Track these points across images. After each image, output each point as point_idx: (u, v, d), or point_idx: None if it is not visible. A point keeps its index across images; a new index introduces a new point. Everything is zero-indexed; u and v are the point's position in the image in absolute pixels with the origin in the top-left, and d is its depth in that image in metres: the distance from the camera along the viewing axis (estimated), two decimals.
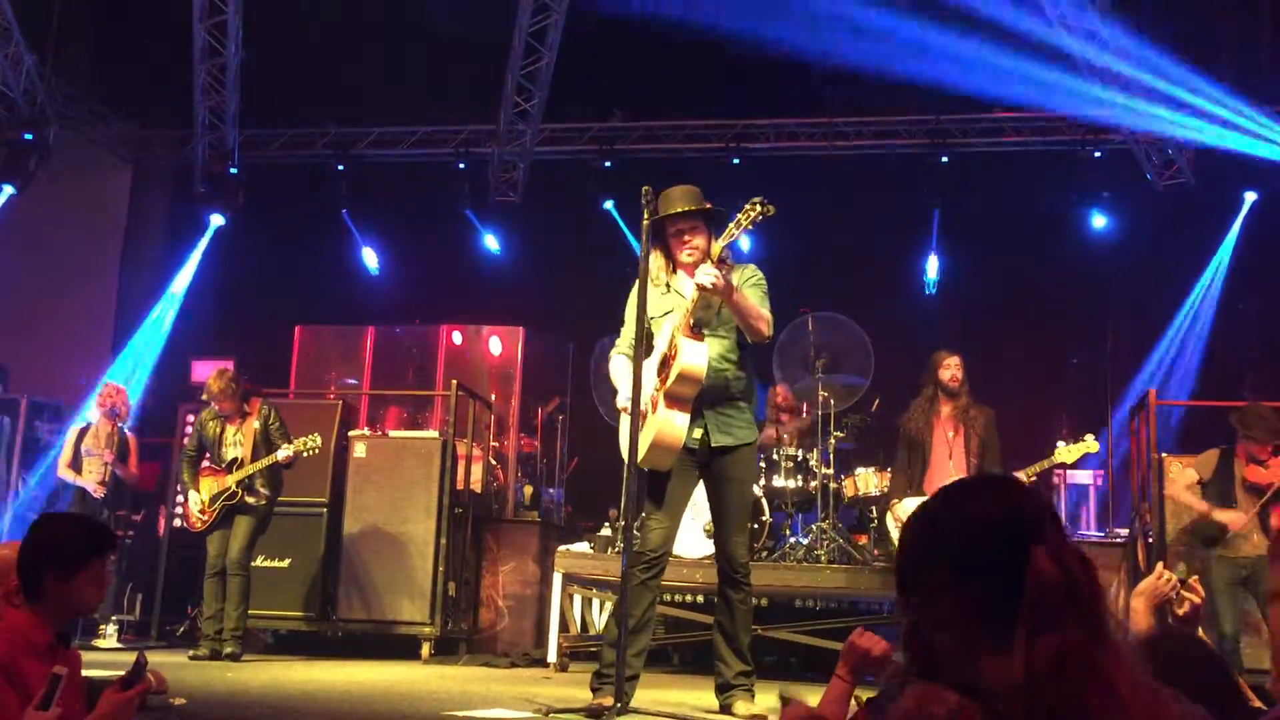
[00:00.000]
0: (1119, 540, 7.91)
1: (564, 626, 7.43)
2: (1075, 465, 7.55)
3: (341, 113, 11.30)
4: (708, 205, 4.84)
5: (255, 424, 7.53)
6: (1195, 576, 2.98)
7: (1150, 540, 7.22)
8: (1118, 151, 10.19)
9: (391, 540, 7.96)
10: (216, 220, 10.98)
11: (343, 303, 11.55)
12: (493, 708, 4.75)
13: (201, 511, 7.44)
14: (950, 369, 7.05)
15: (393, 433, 8.59)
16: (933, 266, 10.56)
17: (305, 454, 7.44)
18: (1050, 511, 1.54)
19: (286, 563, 8.02)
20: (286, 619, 8.09)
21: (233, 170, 10.79)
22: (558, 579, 7.50)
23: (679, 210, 4.78)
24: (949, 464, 6.74)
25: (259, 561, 7.99)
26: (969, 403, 7.00)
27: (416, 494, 8.02)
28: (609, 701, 4.35)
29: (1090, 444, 6.68)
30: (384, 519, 8.01)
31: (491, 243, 11.30)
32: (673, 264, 4.90)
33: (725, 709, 4.72)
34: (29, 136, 10.00)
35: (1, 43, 9.62)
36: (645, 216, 4.65)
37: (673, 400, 4.63)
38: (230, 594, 7.33)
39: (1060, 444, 6.84)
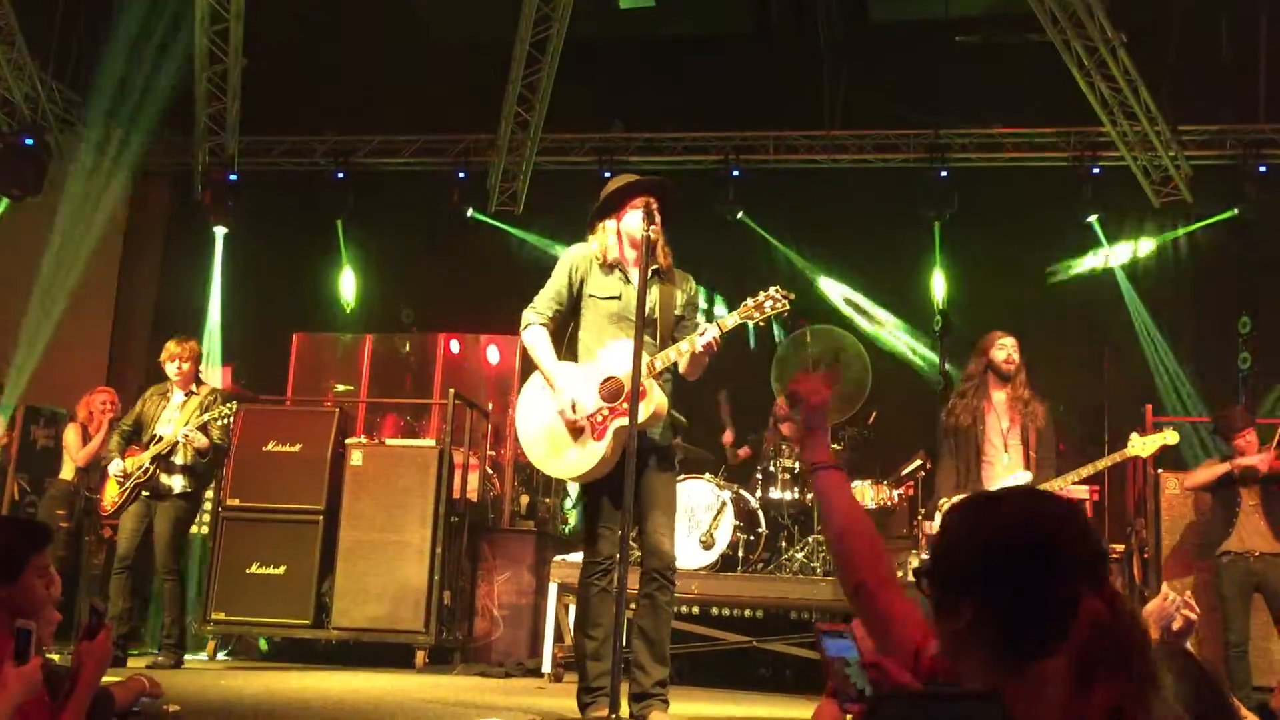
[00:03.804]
0: (1114, 556, 7.92)
1: (559, 636, 7.42)
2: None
3: (341, 121, 11.32)
4: (668, 184, 4.80)
5: (195, 406, 7.14)
6: (1190, 591, 3.00)
7: (1146, 556, 7.23)
8: (1116, 169, 10.22)
9: (387, 548, 7.95)
10: (221, 231, 10.99)
11: (340, 310, 11.57)
12: (487, 717, 4.74)
13: (113, 495, 7.05)
14: (1006, 349, 6.27)
15: (389, 441, 8.58)
16: (937, 284, 10.54)
17: (219, 426, 7.03)
18: (1096, 547, 1.50)
19: (282, 570, 8.01)
20: (281, 626, 8.07)
21: (232, 177, 10.80)
22: (553, 589, 7.50)
23: (644, 181, 4.76)
24: (1004, 458, 6.07)
25: (253, 568, 7.98)
26: (1029, 395, 6.24)
27: (412, 502, 8.01)
28: (603, 713, 4.34)
29: (1169, 435, 6.16)
30: (380, 527, 8.00)
31: (519, 245, 11.31)
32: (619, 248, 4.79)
33: (640, 717, 4.51)
34: (30, 141, 10.01)
35: (4, 47, 9.63)
36: (646, 228, 4.61)
37: (625, 429, 4.53)
38: (165, 602, 7.07)
39: (1134, 435, 6.23)
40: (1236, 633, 6.44)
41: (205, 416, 7.02)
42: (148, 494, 7.05)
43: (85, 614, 2.92)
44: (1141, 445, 6.14)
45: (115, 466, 7.09)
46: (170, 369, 7.21)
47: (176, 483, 7.07)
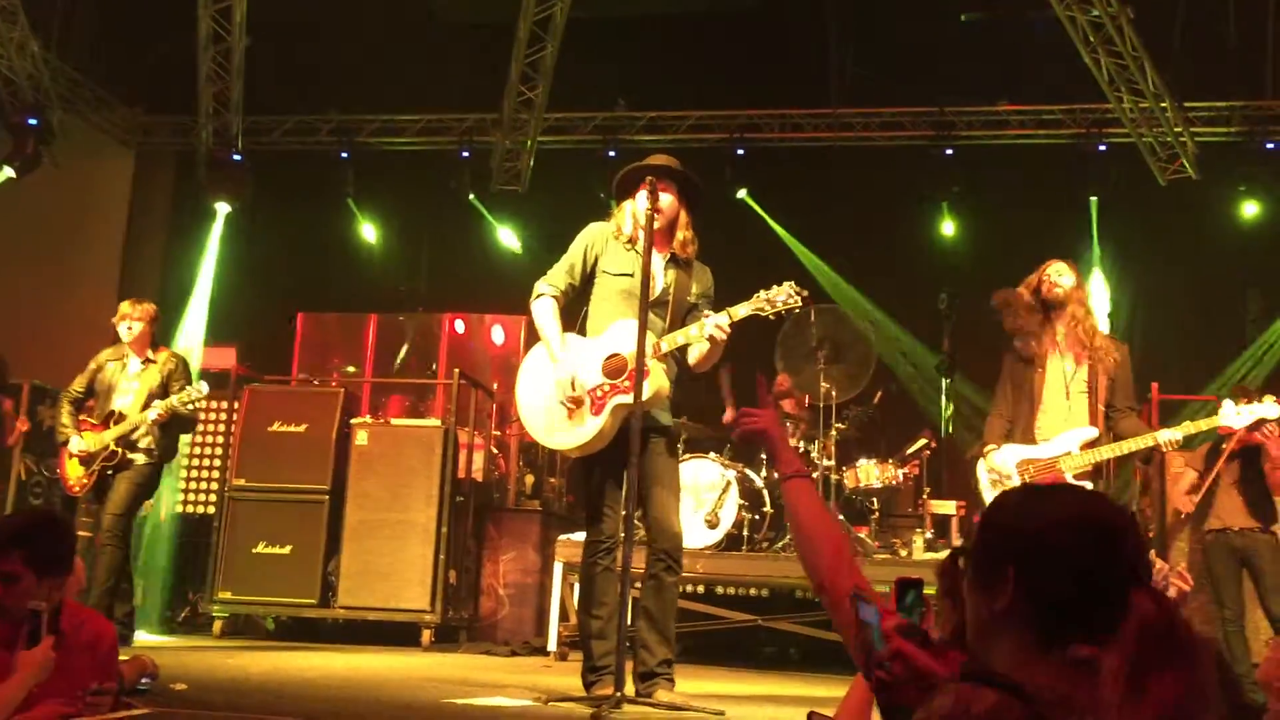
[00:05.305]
0: None
1: (564, 615, 7.45)
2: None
3: (345, 100, 11.28)
4: (688, 174, 4.91)
5: (156, 375, 6.67)
6: (1184, 564, 3.00)
7: (1150, 535, 7.24)
8: (1121, 145, 10.17)
9: (393, 528, 7.98)
10: (224, 208, 10.96)
11: (346, 290, 11.56)
12: (493, 696, 4.76)
13: (79, 475, 6.59)
14: (1049, 276, 5.33)
15: (395, 421, 8.60)
16: (946, 228, 10.50)
17: (186, 410, 6.56)
18: (1143, 548, 1.54)
19: (288, 549, 8.04)
20: (287, 605, 8.12)
21: (236, 157, 10.78)
22: (558, 568, 7.52)
23: (658, 165, 4.87)
24: (1066, 404, 5.18)
25: (259, 548, 8.01)
26: (1098, 333, 5.35)
27: (418, 482, 8.03)
28: (608, 691, 4.36)
29: (1270, 405, 5.14)
30: (385, 506, 8.03)
31: (507, 237, 11.26)
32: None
33: (645, 696, 4.53)
34: (33, 121, 9.98)
35: (7, 26, 9.59)
36: (649, 207, 4.64)
37: (624, 406, 4.59)
38: (97, 569, 6.27)
39: (1227, 402, 5.28)
40: (1231, 608, 6.45)
41: (174, 401, 6.48)
42: (112, 472, 6.58)
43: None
44: (1236, 416, 5.18)
45: (75, 444, 6.62)
46: (121, 328, 6.74)
47: (140, 457, 6.60)
